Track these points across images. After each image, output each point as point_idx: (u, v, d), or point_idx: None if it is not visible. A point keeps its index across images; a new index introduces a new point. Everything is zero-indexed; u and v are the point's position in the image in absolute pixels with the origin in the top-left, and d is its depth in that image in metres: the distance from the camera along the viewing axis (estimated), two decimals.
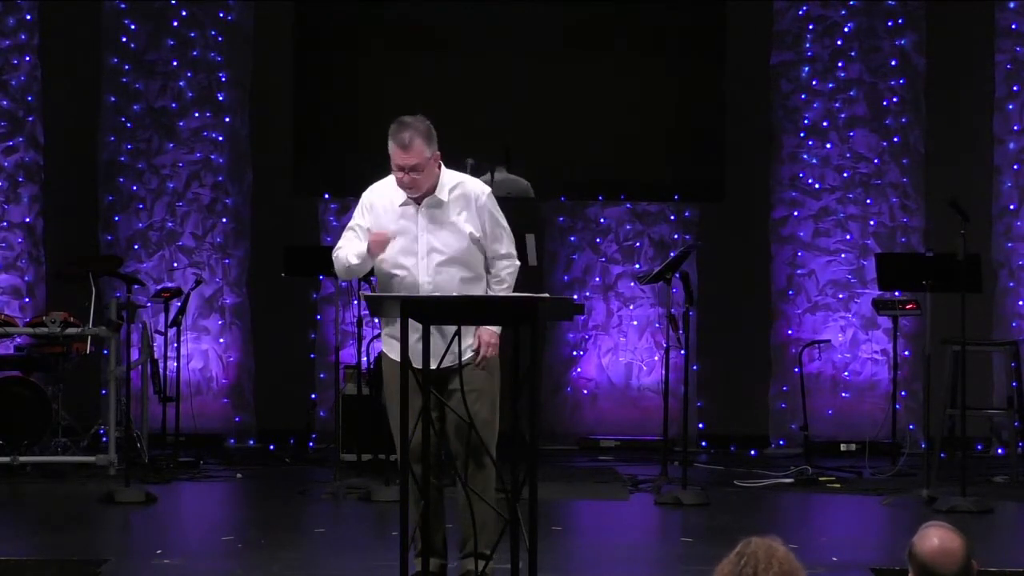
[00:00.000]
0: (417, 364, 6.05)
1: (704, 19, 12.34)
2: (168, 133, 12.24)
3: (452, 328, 6.33)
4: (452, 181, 6.67)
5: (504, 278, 6.70)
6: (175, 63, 12.23)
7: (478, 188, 6.72)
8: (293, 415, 12.11)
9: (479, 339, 6.56)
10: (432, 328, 6.20)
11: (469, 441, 6.45)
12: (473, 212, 6.63)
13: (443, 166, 6.67)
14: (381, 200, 6.68)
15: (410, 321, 6.11)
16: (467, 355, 6.55)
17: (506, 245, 6.73)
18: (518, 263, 6.79)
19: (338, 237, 12.35)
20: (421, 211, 6.61)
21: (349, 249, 6.67)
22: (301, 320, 12.24)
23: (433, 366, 6.18)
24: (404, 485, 6.15)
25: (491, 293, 6.65)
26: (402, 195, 6.64)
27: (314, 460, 11.44)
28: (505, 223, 6.75)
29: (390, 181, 6.69)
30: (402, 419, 6.27)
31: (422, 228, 6.60)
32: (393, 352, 6.47)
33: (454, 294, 6.51)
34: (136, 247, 12.18)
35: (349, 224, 6.79)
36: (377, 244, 6.54)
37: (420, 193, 6.59)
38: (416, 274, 6.58)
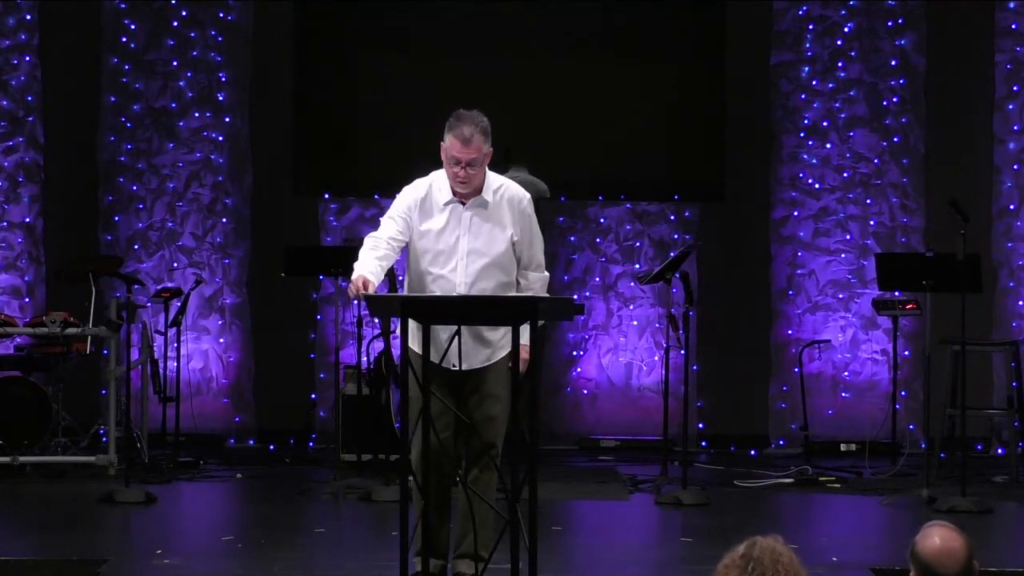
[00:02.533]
0: (443, 363, 6.05)
1: (704, 19, 12.33)
2: (168, 133, 12.24)
3: (483, 328, 6.33)
4: (496, 183, 6.61)
5: (536, 289, 6.62)
6: (175, 63, 12.22)
7: (521, 192, 6.66)
8: (293, 415, 12.11)
9: (521, 359, 6.41)
10: (464, 328, 6.21)
11: (474, 442, 6.46)
12: (516, 215, 6.57)
13: (488, 169, 6.63)
14: (426, 199, 6.57)
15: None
16: (492, 360, 6.53)
17: (539, 254, 6.68)
18: (547, 275, 6.76)
19: (338, 237, 12.41)
20: (466, 212, 6.54)
21: (362, 258, 6.47)
22: (301, 320, 12.24)
23: (465, 366, 6.21)
24: (404, 485, 6.15)
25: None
26: (446, 195, 6.55)
27: (314, 460, 11.43)
28: (539, 233, 6.71)
29: (431, 180, 6.62)
30: (402, 417, 6.27)
31: (465, 229, 6.53)
32: (416, 344, 6.35)
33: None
34: (136, 247, 12.18)
35: (389, 213, 6.62)
36: (354, 288, 6.38)
37: (471, 190, 6.52)
38: (454, 277, 6.50)
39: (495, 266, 6.54)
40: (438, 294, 6.47)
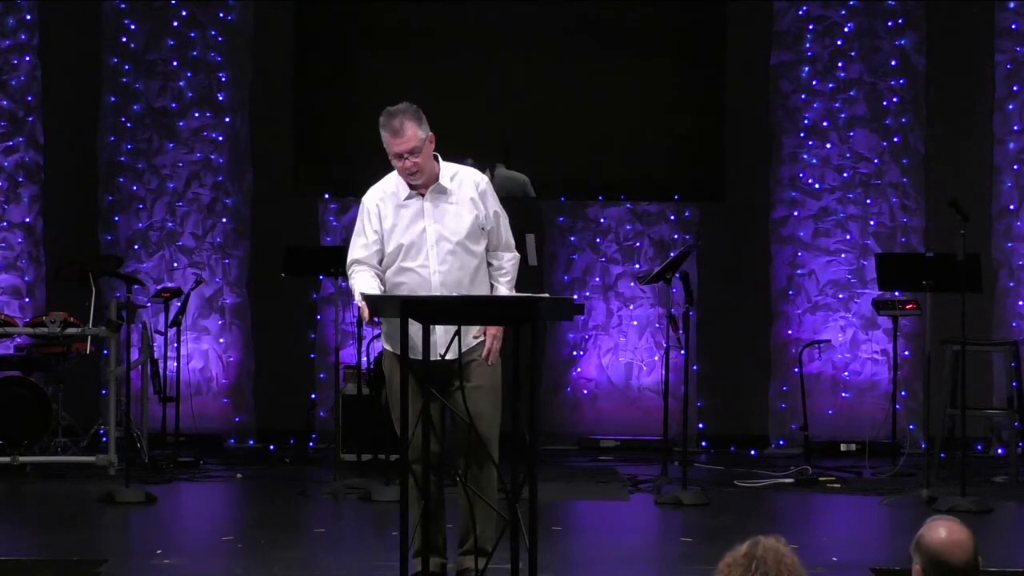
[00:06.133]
0: (418, 357, 6.05)
1: (704, 19, 12.34)
2: (168, 133, 12.24)
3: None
4: (452, 170, 6.69)
5: (508, 269, 6.71)
6: (175, 63, 12.22)
7: (477, 176, 6.74)
8: (293, 415, 12.10)
9: (486, 331, 6.55)
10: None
11: (470, 439, 6.45)
12: (476, 197, 6.63)
13: (441, 159, 6.68)
14: (385, 200, 6.65)
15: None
16: (472, 344, 6.54)
17: (506, 233, 6.74)
18: (518, 255, 6.81)
19: (338, 237, 12.41)
20: (426, 202, 6.61)
21: (359, 282, 6.56)
22: (301, 320, 12.24)
23: (436, 356, 6.20)
24: (404, 485, 6.15)
25: (496, 285, 6.65)
26: (405, 191, 6.62)
27: (314, 460, 11.43)
28: (503, 211, 6.77)
29: (389, 180, 6.69)
30: (402, 417, 6.28)
31: (429, 218, 6.59)
32: (393, 345, 6.45)
33: (465, 284, 6.53)
34: (136, 247, 12.18)
35: (356, 230, 6.71)
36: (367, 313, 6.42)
37: (423, 179, 6.57)
38: (427, 266, 6.55)
39: (464, 249, 6.59)
40: (411, 288, 6.51)
